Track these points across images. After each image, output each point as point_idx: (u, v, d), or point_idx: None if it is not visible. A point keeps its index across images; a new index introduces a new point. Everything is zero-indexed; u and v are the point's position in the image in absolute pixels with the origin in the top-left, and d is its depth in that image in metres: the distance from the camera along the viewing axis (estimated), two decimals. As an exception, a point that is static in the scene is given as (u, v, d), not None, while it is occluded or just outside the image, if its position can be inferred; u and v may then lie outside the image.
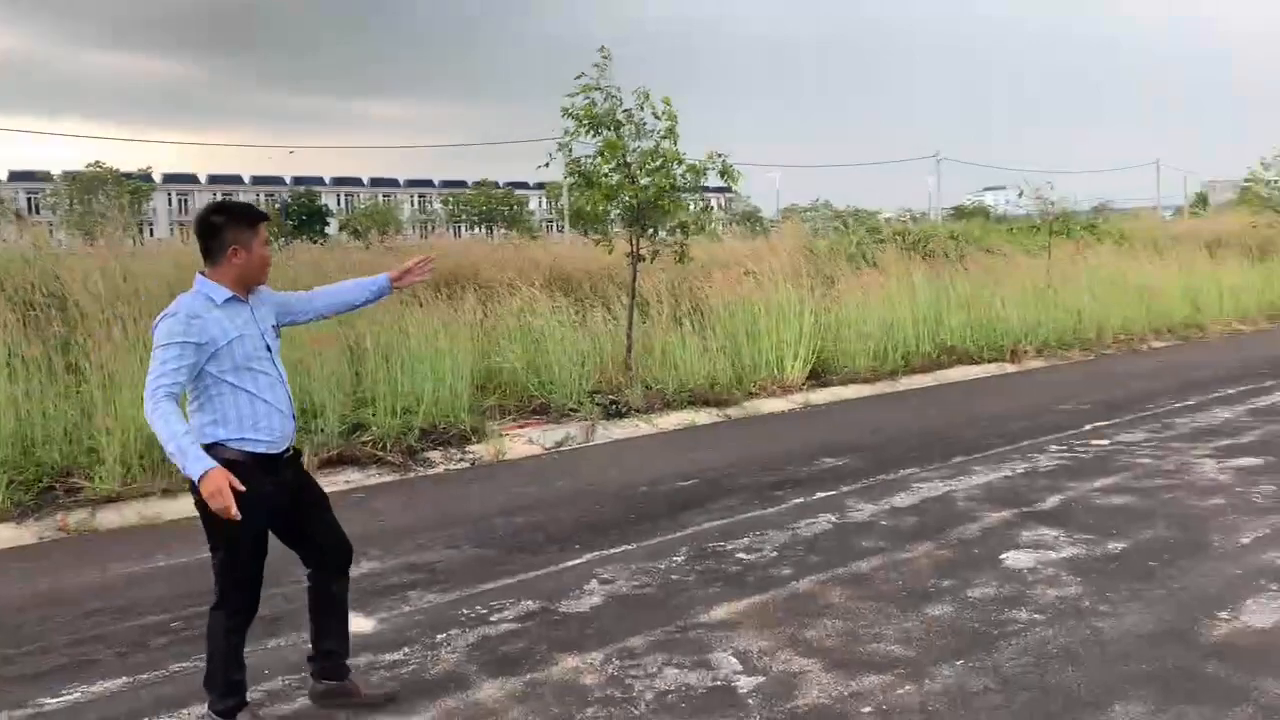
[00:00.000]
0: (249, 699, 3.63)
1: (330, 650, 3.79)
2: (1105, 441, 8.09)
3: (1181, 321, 16.89)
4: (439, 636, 4.54)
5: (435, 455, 8.34)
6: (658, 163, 10.66)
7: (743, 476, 7.42)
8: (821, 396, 11.31)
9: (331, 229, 59.69)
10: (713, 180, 11.58)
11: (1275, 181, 22.98)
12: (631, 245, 10.99)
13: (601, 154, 10.73)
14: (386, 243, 21.92)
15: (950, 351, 13.68)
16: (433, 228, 69.33)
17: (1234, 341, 15.94)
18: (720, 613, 4.69)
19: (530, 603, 4.93)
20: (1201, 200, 66.36)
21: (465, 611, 4.85)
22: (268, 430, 3.42)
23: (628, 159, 10.71)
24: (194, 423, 3.34)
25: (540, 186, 68.27)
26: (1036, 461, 7.47)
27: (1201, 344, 15.74)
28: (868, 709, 3.68)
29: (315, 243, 27.87)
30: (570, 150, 11.00)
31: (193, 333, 3.28)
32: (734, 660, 4.14)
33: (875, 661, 4.09)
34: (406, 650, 4.39)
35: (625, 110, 10.58)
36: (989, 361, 13.74)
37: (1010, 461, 7.50)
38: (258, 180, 77.14)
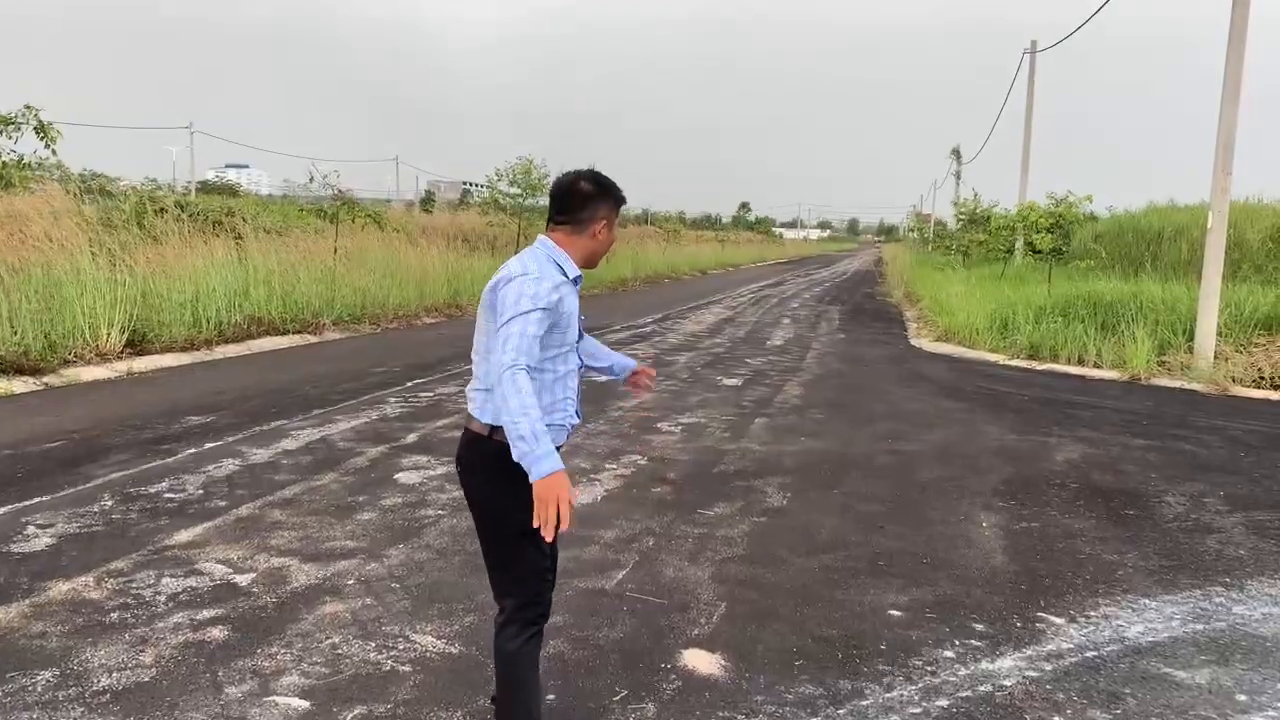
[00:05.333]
0: None
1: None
2: (430, 394, 9.84)
3: (445, 302, 19.76)
4: (-107, 588, 4.45)
5: None
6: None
7: (116, 436, 7.62)
8: (143, 364, 11.41)
9: None
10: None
11: (497, 187, 27.38)
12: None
13: None
14: None
15: (258, 322, 14.51)
16: None
17: (486, 319, 19.14)
18: (185, 537, 5.28)
19: (-25, 551, 4.97)
20: (429, 197, 74.18)
21: (-99, 566, 4.73)
22: (563, 418, 3.03)
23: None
24: (479, 398, 2.99)
25: None
26: (384, 410, 8.91)
27: (463, 321, 18.59)
28: (351, 580, 4.75)
29: None
30: None
31: (555, 300, 2.89)
32: (222, 567, 4.87)
33: (339, 553, 5.14)
34: None
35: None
36: (294, 333, 14.87)
37: (363, 411, 8.83)
38: None
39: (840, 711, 3.62)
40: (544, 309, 2.84)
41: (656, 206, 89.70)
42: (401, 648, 4.03)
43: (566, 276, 3.00)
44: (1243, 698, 3.82)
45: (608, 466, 7.11)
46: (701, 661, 3.99)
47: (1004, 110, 33.39)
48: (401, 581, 4.77)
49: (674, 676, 3.85)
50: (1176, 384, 12.92)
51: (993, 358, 15.22)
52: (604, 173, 3.15)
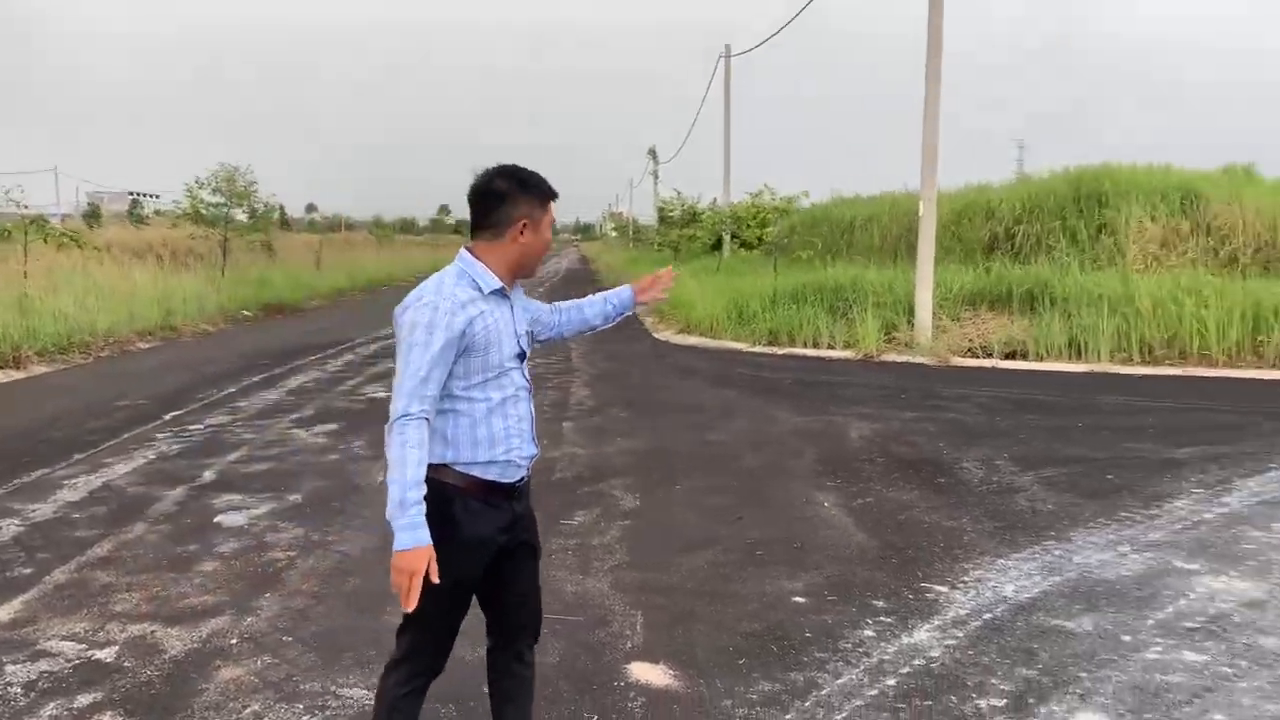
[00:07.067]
0: None
1: None
2: (200, 426, 9.00)
3: (159, 324, 18.03)
4: None
5: None
6: None
7: None
8: None
9: None
10: None
11: (199, 196, 25.42)
12: None
13: None
14: None
15: (-50, 359, 12.69)
16: None
17: (211, 340, 17.61)
18: (3, 615, 4.54)
19: None
20: (94, 211, 67.70)
21: None
22: (505, 452, 2.69)
23: None
24: None
25: None
26: (159, 448, 8.06)
27: (184, 344, 17.03)
28: (234, 640, 4.28)
29: None
30: None
31: (456, 325, 2.57)
32: (71, 643, 4.24)
33: (202, 610, 4.61)
34: None
35: None
36: (-10, 369, 13.11)
37: (134, 450, 7.94)
38: None
39: (808, 704, 3.69)
40: (445, 339, 2.57)
41: (349, 213, 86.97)
42: (335, 705, 3.69)
43: (482, 291, 2.67)
44: (1127, 638, 4.27)
45: (442, 485, 6.83)
46: (652, 675, 3.95)
47: (702, 110, 35.11)
48: (292, 634, 4.36)
49: (634, 694, 3.78)
50: (904, 359, 14.18)
51: (736, 345, 16.01)
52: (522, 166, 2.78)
